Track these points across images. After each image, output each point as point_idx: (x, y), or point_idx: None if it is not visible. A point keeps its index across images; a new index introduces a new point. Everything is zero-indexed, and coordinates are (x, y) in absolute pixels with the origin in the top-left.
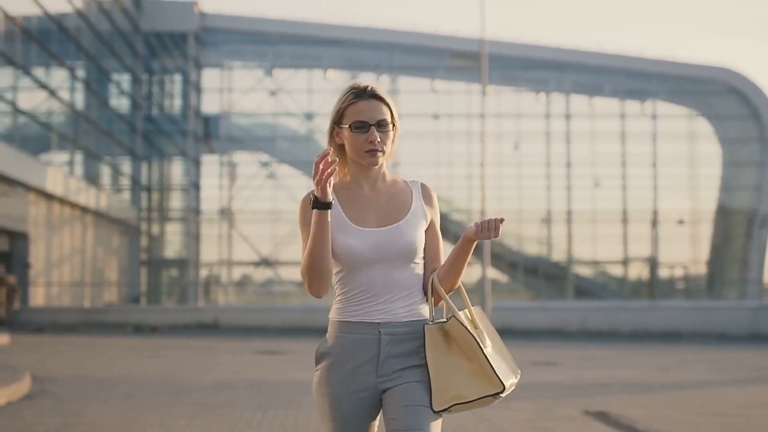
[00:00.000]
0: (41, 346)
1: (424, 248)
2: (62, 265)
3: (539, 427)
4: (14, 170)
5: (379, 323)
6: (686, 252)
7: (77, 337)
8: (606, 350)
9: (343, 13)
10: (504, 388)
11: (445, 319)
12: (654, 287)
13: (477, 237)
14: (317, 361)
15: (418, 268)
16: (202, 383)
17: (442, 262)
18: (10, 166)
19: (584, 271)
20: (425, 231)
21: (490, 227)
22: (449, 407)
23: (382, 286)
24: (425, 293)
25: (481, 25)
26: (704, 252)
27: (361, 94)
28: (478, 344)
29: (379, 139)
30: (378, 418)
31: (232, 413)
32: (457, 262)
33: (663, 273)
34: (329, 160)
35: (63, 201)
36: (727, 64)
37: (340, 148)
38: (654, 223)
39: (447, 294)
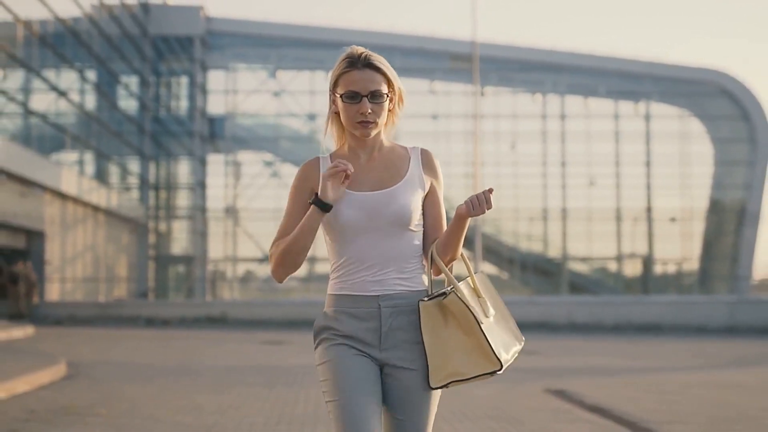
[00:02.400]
0: (63, 338)
1: (425, 215)
2: (76, 261)
3: (502, 400)
4: (31, 172)
5: (378, 296)
6: (679, 249)
7: (94, 329)
8: (588, 341)
9: (344, 16)
10: (502, 367)
11: (443, 293)
12: (647, 283)
13: (470, 214)
14: (317, 336)
15: (415, 237)
16: (216, 367)
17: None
18: (28, 168)
19: (579, 268)
20: (425, 198)
21: (480, 201)
22: (447, 384)
23: (375, 257)
24: (426, 262)
25: (473, 28)
26: (696, 249)
27: (355, 62)
28: (477, 321)
29: (371, 111)
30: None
31: (243, 390)
32: (452, 239)
33: (656, 269)
34: (348, 171)
35: (76, 200)
36: (718, 66)
37: (338, 116)
38: (647, 220)
39: (447, 265)
